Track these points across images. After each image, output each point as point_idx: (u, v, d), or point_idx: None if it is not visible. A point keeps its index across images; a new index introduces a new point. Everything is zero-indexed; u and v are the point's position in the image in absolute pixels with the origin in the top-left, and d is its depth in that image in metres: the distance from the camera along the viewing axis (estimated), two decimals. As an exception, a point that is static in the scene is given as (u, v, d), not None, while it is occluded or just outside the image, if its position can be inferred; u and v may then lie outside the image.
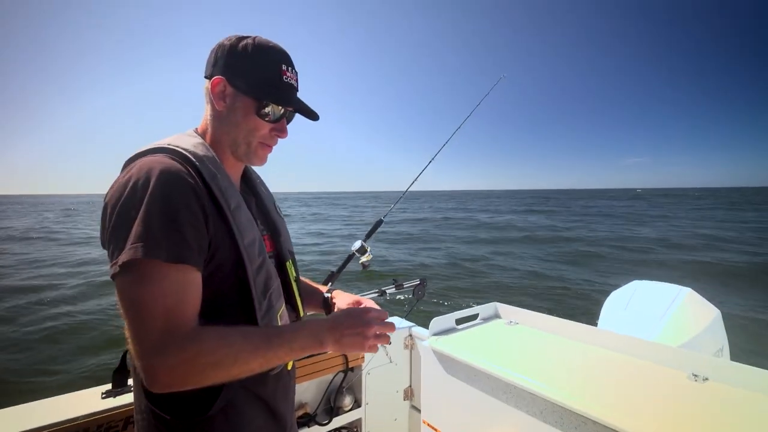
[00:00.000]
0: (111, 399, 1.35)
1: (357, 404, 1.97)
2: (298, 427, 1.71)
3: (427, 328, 1.89)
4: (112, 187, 0.73)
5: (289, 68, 0.84)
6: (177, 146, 0.78)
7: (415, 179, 2.42)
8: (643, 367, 1.27)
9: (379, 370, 2.04)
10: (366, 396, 1.98)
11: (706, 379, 1.15)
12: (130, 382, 1.46)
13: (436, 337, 1.52)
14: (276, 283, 0.89)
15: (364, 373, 1.96)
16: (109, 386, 1.42)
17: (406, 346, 2.16)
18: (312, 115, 0.90)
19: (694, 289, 2.23)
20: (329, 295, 1.13)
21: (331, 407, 1.92)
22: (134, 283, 0.66)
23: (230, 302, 0.80)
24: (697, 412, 1.00)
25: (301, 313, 1.02)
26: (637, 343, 1.35)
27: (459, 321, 1.71)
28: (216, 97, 0.82)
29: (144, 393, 0.79)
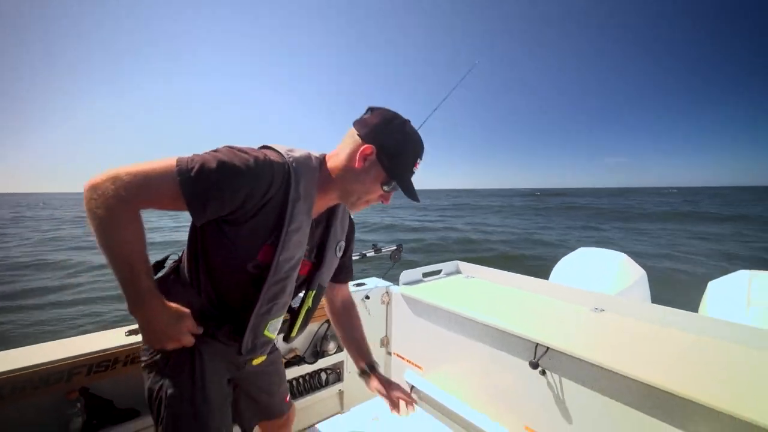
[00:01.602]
0: (134, 336, 1.62)
1: (340, 349, 2.29)
2: (289, 366, 2.01)
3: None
4: None
5: (419, 161, 1.01)
6: (298, 162, 0.91)
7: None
8: (556, 304, 1.63)
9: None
10: None
11: (603, 310, 1.51)
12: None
13: (405, 286, 1.84)
14: (285, 299, 1.03)
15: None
16: (130, 326, 1.70)
17: (383, 302, 2.49)
18: (415, 198, 1.02)
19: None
20: (374, 365, 1.28)
21: (317, 351, 2.23)
22: (167, 167, 0.79)
23: (244, 281, 0.95)
24: (599, 332, 1.35)
25: (293, 334, 1.17)
26: (557, 288, 1.72)
27: (425, 275, 2.03)
28: (360, 158, 0.95)
29: None
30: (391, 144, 0.95)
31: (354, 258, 2.36)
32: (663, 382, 1.00)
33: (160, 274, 1.00)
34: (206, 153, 0.83)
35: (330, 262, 1.12)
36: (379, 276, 2.66)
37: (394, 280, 2.69)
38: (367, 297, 2.40)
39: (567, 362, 1.21)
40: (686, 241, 14.98)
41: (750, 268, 2.27)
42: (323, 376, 2.28)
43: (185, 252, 1.01)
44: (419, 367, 1.77)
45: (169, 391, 0.95)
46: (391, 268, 2.64)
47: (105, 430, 1.52)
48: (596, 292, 1.63)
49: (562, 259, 2.77)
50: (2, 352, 1.46)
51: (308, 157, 0.95)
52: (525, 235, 17.14)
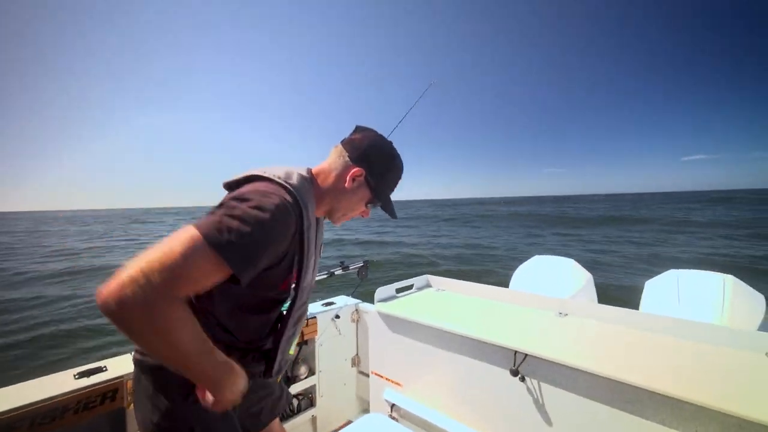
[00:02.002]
0: (85, 378, 1.44)
1: (311, 372, 2.22)
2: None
3: (372, 303, 2.21)
4: (245, 185, 0.88)
5: (399, 181, 1.09)
6: (301, 191, 0.90)
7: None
8: (525, 311, 1.73)
9: (330, 342, 2.31)
10: (319, 365, 2.24)
11: (567, 314, 1.63)
12: (101, 363, 1.56)
13: (380, 303, 1.84)
14: (305, 317, 1.10)
15: (317, 344, 2.22)
16: (79, 368, 1.51)
17: (353, 320, 2.46)
18: (394, 216, 1.12)
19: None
20: None
21: (288, 376, 2.14)
22: (192, 240, 0.71)
23: (267, 310, 0.99)
24: (568, 336, 1.45)
25: (291, 351, 1.17)
26: (521, 295, 1.84)
27: (398, 290, 2.05)
28: (349, 179, 1.00)
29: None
30: (379, 168, 1.03)
31: (322, 277, 2.32)
32: (629, 377, 1.10)
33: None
34: (224, 215, 0.77)
35: (315, 269, 1.15)
36: (347, 294, 2.64)
37: (362, 297, 2.68)
38: (338, 316, 2.37)
39: (545, 367, 1.29)
40: (616, 243, 16.63)
41: (676, 267, 2.58)
42: (295, 402, 2.19)
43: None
44: (399, 384, 1.77)
45: (217, 425, 0.96)
46: (359, 285, 2.63)
47: None
48: (557, 298, 1.76)
49: (519, 267, 2.94)
50: None
51: (304, 180, 0.96)
52: (477, 243, 17.95)
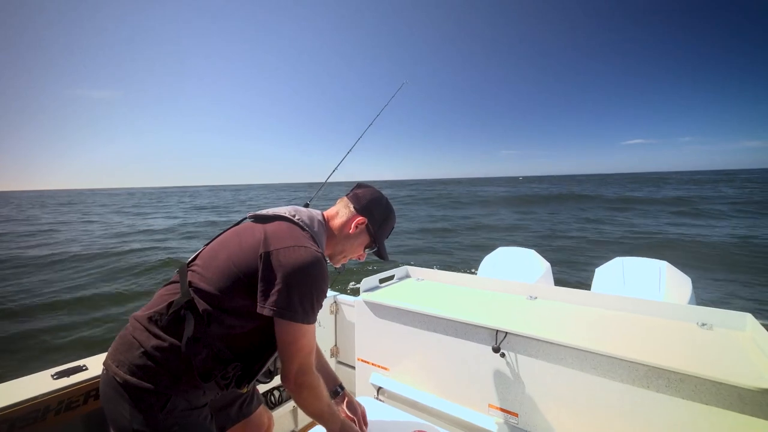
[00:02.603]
0: (65, 378, 1.38)
1: (293, 364, 2.25)
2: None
3: (348, 295, 2.28)
4: (282, 251, 0.99)
5: (392, 229, 1.30)
6: (317, 237, 1.11)
7: (331, 173, 2.60)
8: (499, 296, 1.90)
9: None
10: None
11: (536, 297, 1.82)
12: (80, 363, 1.50)
13: (366, 293, 1.92)
14: None
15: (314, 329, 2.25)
16: (56, 368, 1.44)
17: (331, 312, 2.51)
18: (386, 259, 1.31)
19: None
20: (342, 390, 1.39)
21: (270, 370, 2.16)
22: (307, 333, 1.01)
23: (266, 332, 1.08)
24: (540, 315, 1.61)
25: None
26: (494, 282, 2.02)
27: (381, 281, 2.13)
28: (354, 225, 1.18)
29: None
30: (378, 218, 1.22)
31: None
32: (597, 347, 1.28)
33: (188, 336, 0.99)
34: (303, 298, 0.99)
35: None
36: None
37: (337, 289, 2.74)
38: None
39: (523, 343, 1.44)
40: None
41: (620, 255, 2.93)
42: (276, 394, 2.20)
43: (192, 316, 1.02)
44: (385, 369, 1.86)
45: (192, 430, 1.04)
46: (336, 276, 2.68)
47: None
48: (526, 283, 1.94)
49: (486, 257, 3.15)
50: None
51: (321, 226, 1.16)
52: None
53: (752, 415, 1.03)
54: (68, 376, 1.40)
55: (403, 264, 2.48)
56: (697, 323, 1.46)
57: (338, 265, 1.29)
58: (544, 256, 3.11)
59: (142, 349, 0.99)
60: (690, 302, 2.28)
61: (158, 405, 0.98)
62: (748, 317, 1.40)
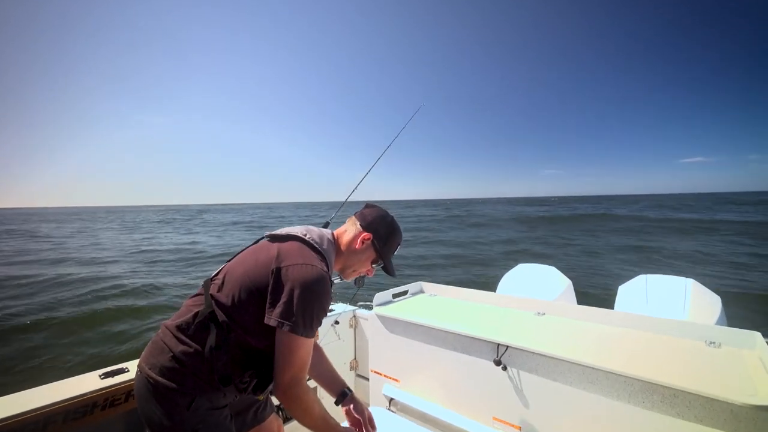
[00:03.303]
0: (110, 378, 1.58)
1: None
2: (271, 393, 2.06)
3: (368, 309, 2.38)
4: (291, 268, 1.10)
5: (399, 246, 1.37)
6: (327, 254, 1.20)
7: (351, 192, 2.61)
8: (508, 311, 1.94)
9: (330, 346, 2.46)
10: None
11: (544, 313, 1.84)
12: (123, 365, 1.70)
13: (378, 307, 2.02)
14: None
15: (311, 344, 2.37)
16: (104, 369, 1.65)
17: (350, 326, 2.62)
18: (393, 275, 1.39)
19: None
20: (349, 393, 1.46)
21: None
22: (303, 345, 1.08)
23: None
24: (544, 331, 1.65)
25: None
26: (506, 298, 2.05)
27: (394, 295, 2.23)
28: (360, 241, 1.28)
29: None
30: (383, 234, 1.30)
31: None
32: (596, 362, 1.30)
33: (210, 344, 1.12)
34: (304, 311, 1.07)
35: None
36: (344, 302, 2.80)
37: (357, 304, 2.84)
38: (337, 322, 2.53)
39: (523, 357, 1.48)
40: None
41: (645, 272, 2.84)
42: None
43: (214, 328, 1.14)
44: (396, 380, 1.93)
45: (214, 429, 1.15)
46: (356, 293, 2.80)
47: None
48: (537, 300, 1.97)
49: (506, 274, 3.16)
50: None
51: (330, 244, 1.26)
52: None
53: None
54: (113, 377, 1.60)
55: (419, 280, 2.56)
56: (705, 341, 1.44)
57: (349, 279, 1.38)
58: (565, 273, 3.08)
59: (171, 354, 1.11)
60: (719, 322, 2.18)
61: (184, 404, 1.09)
62: (758, 336, 1.37)
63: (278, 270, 1.11)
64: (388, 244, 1.32)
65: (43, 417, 1.38)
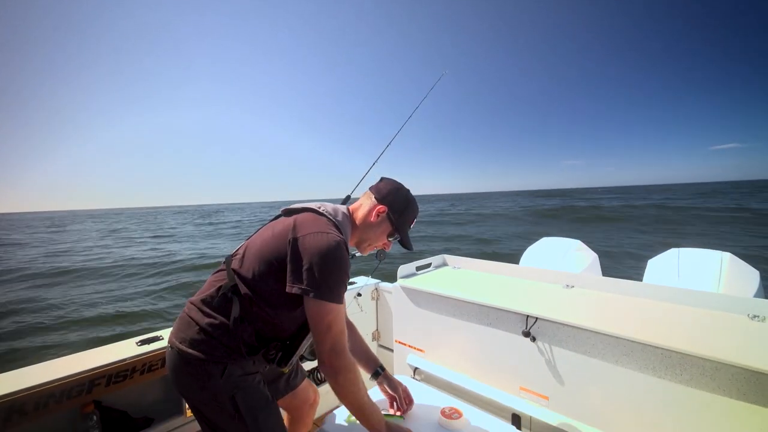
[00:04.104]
0: (146, 345, 1.65)
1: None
2: (301, 361, 2.12)
3: (389, 282, 2.38)
4: (308, 236, 1.10)
5: (415, 220, 1.35)
6: (342, 226, 1.20)
7: (362, 179, 2.56)
8: (534, 284, 1.90)
9: (353, 318, 2.49)
10: None
11: (573, 286, 1.80)
12: (158, 333, 1.77)
13: (402, 279, 2.02)
14: None
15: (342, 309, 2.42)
16: (140, 337, 1.72)
17: (373, 298, 2.65)
18: (410, 248, 1.38)
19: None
20: (383, 372, 1.49)
21: (314, 349, 2.34)
22: (334, 312, 1.07)
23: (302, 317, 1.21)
24: (573, 303, 1.61)
25: None
26: (532, 270, 2.01)
27: (418, 268, 2.22)
28: (375, 214, 1.27)
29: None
30: (398, 206, 1.29)
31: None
32: (624, 332, 1.27)
33: (234, 315, 1.14)
34: (328, 278, 1.07)
35: None
36: (366, 275, 2.82)
37: (380, 277, 2.86)
38: (359, 294, 2.56)
39: (553, 329, 1.46)
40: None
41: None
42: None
43: (239, 299, 1.16)
44: (421, 351, 1.95)
45: (251, 393, 1.18)
46: (377, 266, 2.81)
47: None
48: (564, 272, 1.92)
49: (529, 247, 3.10)
50: (24, 368, 1.44)
51: (345, 218, 1.25)
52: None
53: None
54: (149, 344, 1.66)
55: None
56: (748, 315, 1.38)
57: (365, 253, 1.38)
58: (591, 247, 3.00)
59: (198, 326, 1.14)
60: (757, 297, 2.10)
61: (218, 372, 1.12)
62: None
63: (295, 240, 1.11)
64: (403, 216, 1.31)
65: (87, 380, 1.45)
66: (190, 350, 1.13)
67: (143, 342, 1.67)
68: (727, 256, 2.35)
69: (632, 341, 1.26)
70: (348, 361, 1.09)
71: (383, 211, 1.27)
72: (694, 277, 2.31)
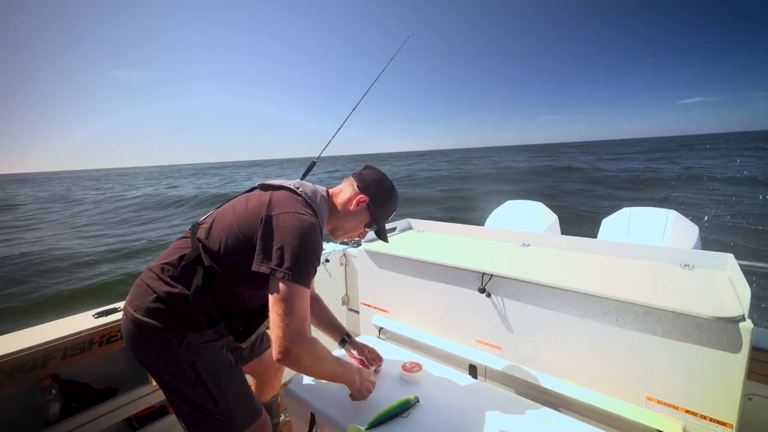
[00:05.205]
0: (104, 317, 1.61)
1: (306, 310, 2.46)
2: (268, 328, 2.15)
3: (357, 248, 2.41)
4: (282, 216, 1.07)
5: (395, 212, 1.36)
6: (320, 207, 1.18)
7: (329, 142, 2.27)
8: (494, 243, 1.98)
9: (322, 284, 2.53)
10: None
11: (529, 245, 1.88)
12: (115, 305, 1.73)
13: (367, 243, 2.04)
14: None
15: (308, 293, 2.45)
16: (97, 309, 1.68)
17: (341, 264, 2.68)
18: (385, 240, 1.40)
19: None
20: (349, 338, 1.51)
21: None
22: (291, 290, 1.02)
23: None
24: (528, 260, 1.69)
25: None
26: (492, 231, 2.09)
27: None
28: (356, 203, 1.25)
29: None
30: (380, 198, 1.28)
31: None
32: (569, 285, 1.35)
33: (196, 284, 1.11)
34: (297, 257, 1.03)
35: None
36: (335, 241, 2.84)
37: (348, 243, 2.89)
38: (327, 261, 2.58)
39: (506, 284, 1.53)
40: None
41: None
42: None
43: (200, 268, 1.13)
44: (385, 311, 2.02)
45: (212, 358, 1.17)
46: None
47: (85, 411, 1.54)
48: (522, 232, 2.01)
49: (494, 211, 3.19)
50: None
51: (323, 200, 1.23)
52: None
53: (707, 344, 1.10)
54: (106, 316, 1.63)
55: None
56: (680, 264, 1.50)
57: (339, 241, 1.37)
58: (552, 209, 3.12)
59: (156, 294, 1.11)
60: (695, 249, 2.27)
61: (176, 340, 1.10)
62: (730, 258, 1.42)
63: (268, 218, 1.08)
64: (383, 208, 1.29)
65: (41, 354, 1.42)
66: (145, 318, 1.10)
67: (100, 314, 1.64)
68: (672, 214, 2.52)
69: (574, 291, 1.35)
70: (309, 343, 1.05)
71: (364, 201, 1.25)
72: (643, 233, 2.47)
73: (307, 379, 1.40)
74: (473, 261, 1.67)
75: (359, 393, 1.22)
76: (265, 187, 1.23)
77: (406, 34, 2.23)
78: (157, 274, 1.15)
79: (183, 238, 1.21)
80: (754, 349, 1.12)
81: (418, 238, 2.20)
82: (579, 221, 9.94)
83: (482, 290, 1.57)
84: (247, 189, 1.28)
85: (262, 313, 1.23)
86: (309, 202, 1.16)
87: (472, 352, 1.68)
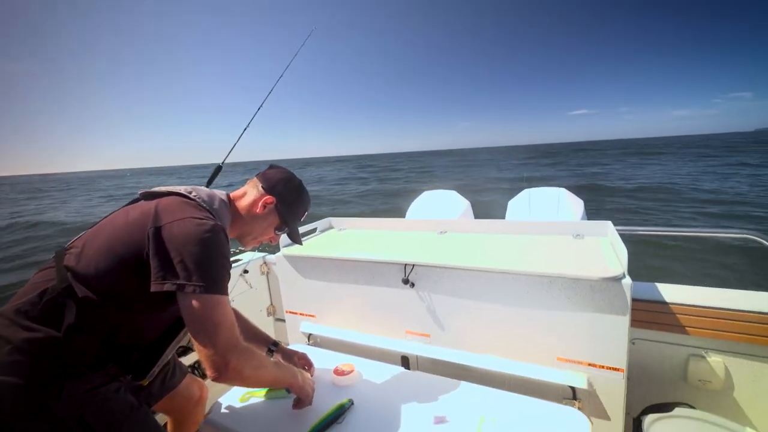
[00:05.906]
0: None
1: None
2: (180, 356, 1.91)
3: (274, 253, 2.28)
4: (174, 224, 0.93)
5: (306, 213, 1.27)
6: (221, 214, 1.07)
7: (233, 147, 2.05)
8: (414, 234, 2.03)
9: (242, 297, 2.35)
10: None
11: (446, 232, 1.96)
12: None
13: (286, 248, 1.93)
14: None
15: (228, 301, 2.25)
16: None
17: (262, 273, 2.52)
18: (299, 242, 1.34)
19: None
20: (276, 347, 1.41)
21: (183, 348, 2.14)
22: (219, 304, 0.93)
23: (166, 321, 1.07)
24: (446, 247, 1.75)
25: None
26: (411, 222, 2.16)
27: (303, 234, 2.16)
28: (261, 205, 1.14)
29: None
30: (288, 198, 1.19)
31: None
32: (483, 264, 1.45)
33: (69, 322, 0.92)
34: (210, 266, 0.92)
35: None
36: (253, 249, 2.65)
37: (267, 249, 2.72)
38: (246, 271, 2.40)
39: (428, 272, 1.58)
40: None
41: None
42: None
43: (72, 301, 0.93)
44: (312, 316, 1.94)
45: (105, 405, 0.97)
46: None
47: None
48: (439, 220, 2.09)
49: (413, 201, 3.30)
50: None
51: (223, 204, 1.11)
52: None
53: (600, 302, 1.26)
54: None
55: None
56: (572, 235, 1.69)
57: (248, 247, 1.26)
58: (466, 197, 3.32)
59: (10, 345, 0.88)
60: (582, 220, 2.60)
61: (51, 396, 0.89)
62: (609, 225, 1.64)
63: (157, 230, 0.92)
64: (293, 209, 1.21)
65: None
66: (2, 378, 0.86)
67: None
68: (563, 191, 2.85)
69: (489, 271, 1.43)
70: (246, 351, 0.98)
71: (271, 203, 1.16)
72: (541, 210, 2.76)
73: (228, 405, 1.28)
74: (394, 253, 1.68)
75: (304, 393, 1.16)
76: (148, 196, 1.06)
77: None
78: (10, 319, 0.91)
79: (45, 269, 0.98)
80: (634, 300, 1.30)
81: (338, 237, 2.16)
82: (487, 205, 10.87)
83: (406, 281, 1.59)
84: (128, 202, 1.09)
85: (165, 341, 1.07)
86: (204, 206, 1.03)
87: (402, 343, 1.69)
